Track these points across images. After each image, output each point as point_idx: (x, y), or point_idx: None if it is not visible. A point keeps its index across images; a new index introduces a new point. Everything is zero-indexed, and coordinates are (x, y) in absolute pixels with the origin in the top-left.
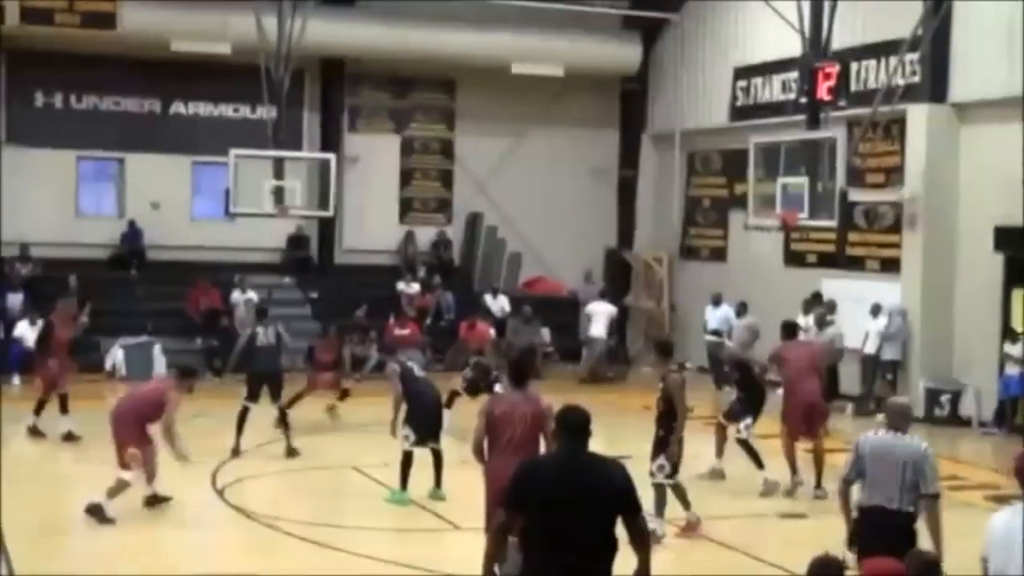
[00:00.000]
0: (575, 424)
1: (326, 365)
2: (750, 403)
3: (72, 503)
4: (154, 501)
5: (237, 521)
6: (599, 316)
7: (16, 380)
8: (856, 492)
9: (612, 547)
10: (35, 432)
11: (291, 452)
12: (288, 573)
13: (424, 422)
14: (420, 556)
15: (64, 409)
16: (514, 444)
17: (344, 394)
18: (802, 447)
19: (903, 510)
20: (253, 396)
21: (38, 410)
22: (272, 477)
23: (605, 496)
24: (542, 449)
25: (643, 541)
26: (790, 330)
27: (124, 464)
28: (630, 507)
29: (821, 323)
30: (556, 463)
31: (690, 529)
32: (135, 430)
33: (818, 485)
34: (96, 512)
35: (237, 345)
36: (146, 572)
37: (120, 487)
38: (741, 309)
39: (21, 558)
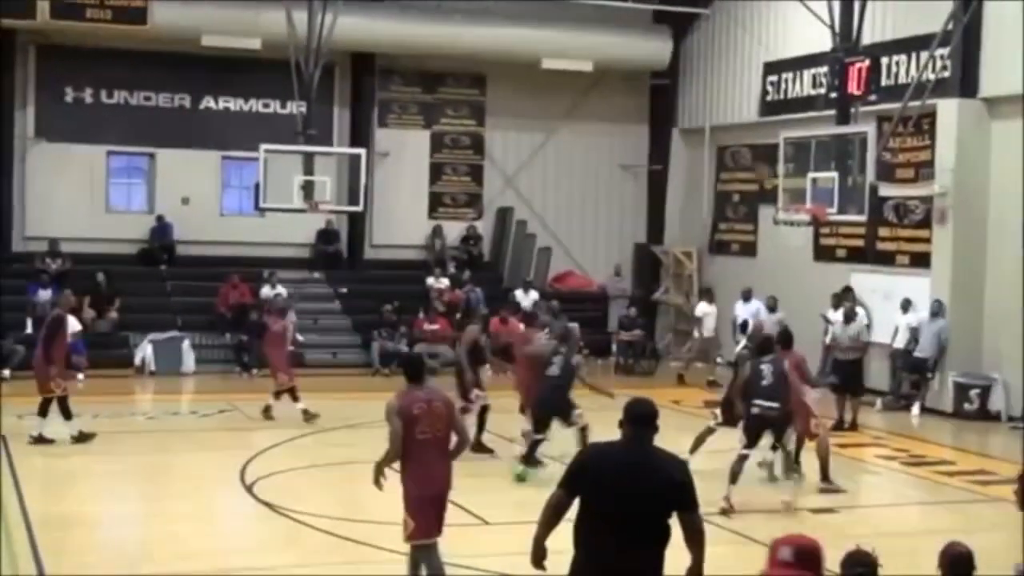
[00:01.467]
0: (642, 415)
1: (277, 339)
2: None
3: (99, 498)
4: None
5: (266, 516)
6: (709, 317)
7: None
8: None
9: (666, 538)
10: (43, 439)
11: (480, 447)
12: (315, 568)
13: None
14: (448, 551)
15: (45, 412)
16: (435, 441)
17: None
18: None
19: None
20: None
21: (44, 411)
22: (301, 472)
23: (666, 490)
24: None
25: (698, 539)
26: (787, 341)
27: None
28: (688, 503)
29: (848, 318)
30: (623, 453)
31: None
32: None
33: (823, 478)
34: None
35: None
36: (173, 565)
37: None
38: (772, 304)
39: (49, 554)
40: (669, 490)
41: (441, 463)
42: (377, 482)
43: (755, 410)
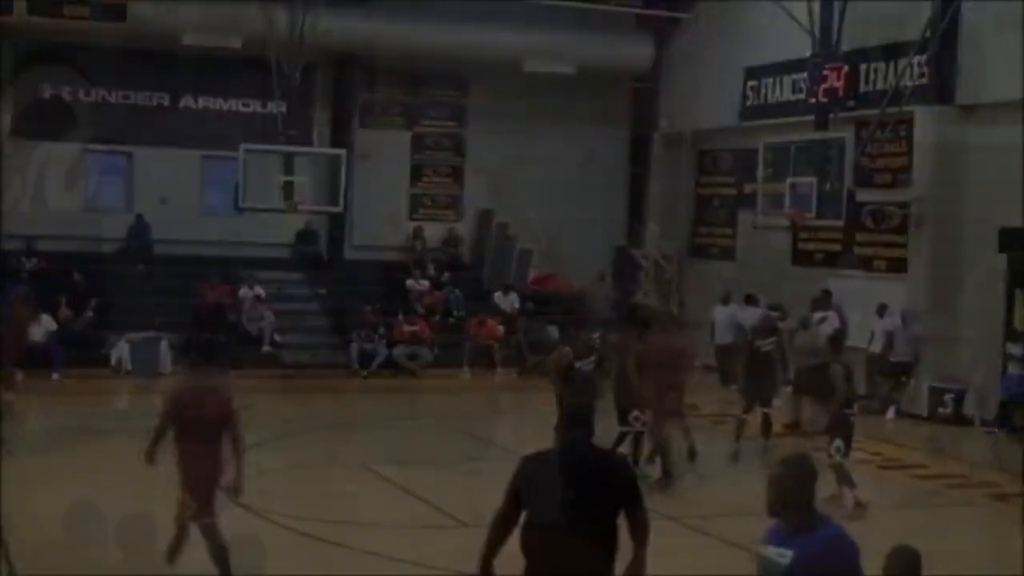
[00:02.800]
0: (579, 416)
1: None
2: None
3: (71, 499)
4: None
5: (248, 519)
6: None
7: (19, 376)
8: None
9: (616, 542)
10: None
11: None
12: (290, 570)
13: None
14: (429, 553)
15: None
16: (206, 426)
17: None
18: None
19: None
20: None
21: None
22: (284, 475)
23: (610, 488)
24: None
25: (645, 533)
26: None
27: None
28: (633, 499)
29: (820, 321)
30: (566, 456)
31: (861, 508)
32: None
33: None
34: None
35: None
36: (148, 569)
37: None
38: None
39: (30, 558)
40: (618, 490)
41: (213, 448)
42: (149, 459)
43: (853, 417)
